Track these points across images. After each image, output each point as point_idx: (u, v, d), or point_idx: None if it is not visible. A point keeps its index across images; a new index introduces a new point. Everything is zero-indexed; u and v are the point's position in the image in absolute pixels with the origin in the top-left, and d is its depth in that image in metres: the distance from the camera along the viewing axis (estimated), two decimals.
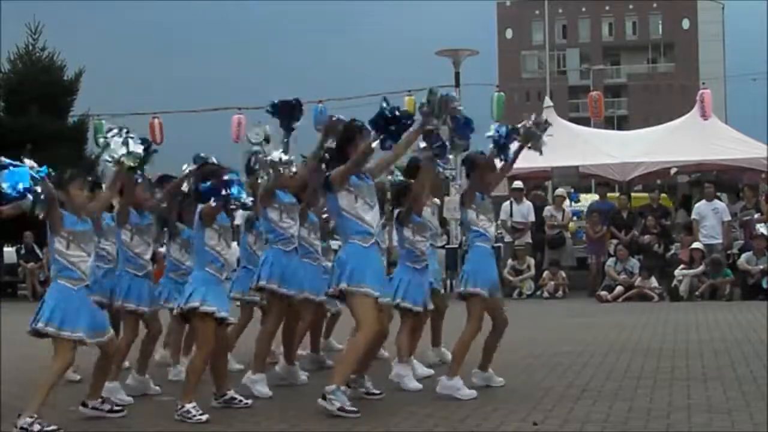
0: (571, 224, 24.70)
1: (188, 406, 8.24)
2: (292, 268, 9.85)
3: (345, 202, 8.51)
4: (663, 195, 24.99)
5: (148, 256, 9.78)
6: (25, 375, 11.27)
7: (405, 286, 9.74)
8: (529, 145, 9.93)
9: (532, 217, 23.37)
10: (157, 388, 9.88)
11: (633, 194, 26.65)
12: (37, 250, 26.89)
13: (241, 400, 8.88)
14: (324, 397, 8.21)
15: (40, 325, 7.98)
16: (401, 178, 10.72)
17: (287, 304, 9.89)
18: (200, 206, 8.52)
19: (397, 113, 8.47)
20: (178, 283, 9.93)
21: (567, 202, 25.84)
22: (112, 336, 8.56)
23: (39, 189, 7.82)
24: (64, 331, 7.95)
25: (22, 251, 27.46)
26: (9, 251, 30.28)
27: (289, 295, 9.81)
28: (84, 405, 8.56)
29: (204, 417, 8.18)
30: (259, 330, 9.97)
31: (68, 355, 8.12)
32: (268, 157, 9.59)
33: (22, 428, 7.72)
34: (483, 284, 9.18)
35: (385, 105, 8.48)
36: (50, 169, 8.14)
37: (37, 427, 7.74)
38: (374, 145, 8.50)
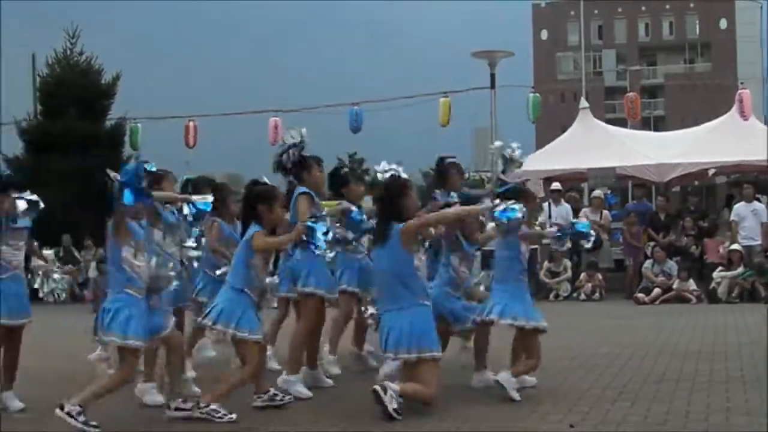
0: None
1: (214, 405, 8.31)
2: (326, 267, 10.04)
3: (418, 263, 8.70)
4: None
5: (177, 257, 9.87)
6: (58, 377, 11.36)
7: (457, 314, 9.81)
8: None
9: (570, 219, 23.21)
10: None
11: None
12: (75, 253, 27.05)
13: (283, 397, 8.94)
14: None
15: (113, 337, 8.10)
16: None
17: (321, 304, 9.99)
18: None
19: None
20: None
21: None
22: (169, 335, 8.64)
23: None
24: (129, 339, 8.04)
25: (61, 254, 27.62)
26: (48, 253, 30.42)
27: (330, 297, 9.98)
28: (168, 407, 8.63)
29: (234, 416, 8.31)
30: (293, 332, 10.00)
31: (134, 365, 8.26)
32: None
33: (68, 413, 7.83)
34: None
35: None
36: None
37: (82, 418, 7.81)
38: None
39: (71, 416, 7.82)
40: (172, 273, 8.64)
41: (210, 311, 8.60)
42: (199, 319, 8.87)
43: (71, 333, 16.67)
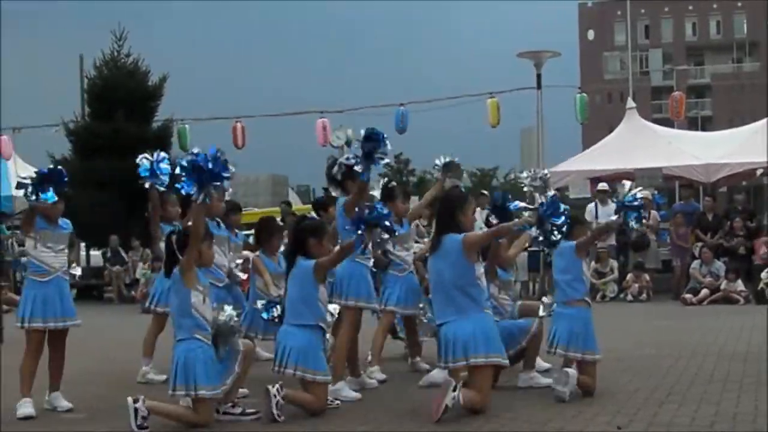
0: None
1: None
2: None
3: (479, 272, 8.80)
4: None
5: (226, 267, 9.98)
6: (107, 377, 11.47)
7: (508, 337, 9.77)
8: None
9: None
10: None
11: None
12: (123, 254, 27.26)
13: (332, 401, 8.97)
14: None
15: (180, 392, 8.20)
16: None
17: (360, 314, 10.11)
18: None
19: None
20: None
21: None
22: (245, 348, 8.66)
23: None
24: (200, 391, 8.13)
25: (108, 254, 27.85)
26: (95, 254, 30.71)
27: (369, 307, 10.13)
28: (216, 411, 8.57)
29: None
30: (335, 340, 10.04)
31: (209, 412, 8.34)
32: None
33: (136, 410, 7.91)
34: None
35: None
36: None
37: (140, 421, 7.89)
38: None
39: (135, 414, 7.92)
40: (237, 322, 8.63)
41: (289, 355, 8.57)
42: (277, 368, 8.78)
43: (118, 333, 16.82)
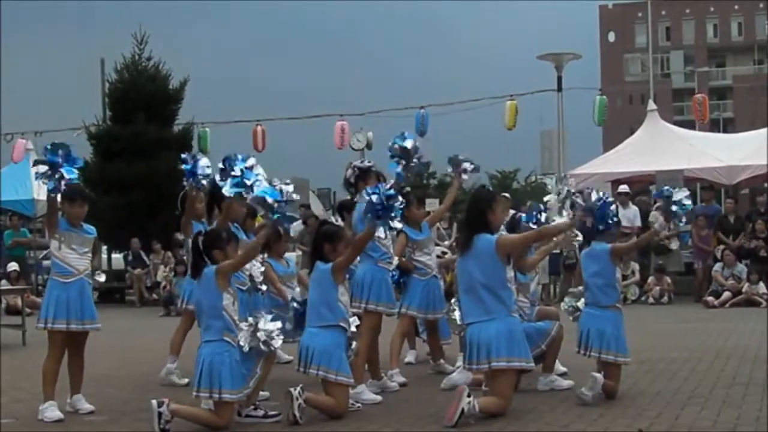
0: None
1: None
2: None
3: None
4: None
5: (248, 271, 10.01)
6: (128, 380, 11.50)
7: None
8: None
9: (638, 222, 22.91)
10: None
11: None
12: (144, 257, 27.30)
13: (353, 404, 8.97)
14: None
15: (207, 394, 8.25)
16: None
17: (380, 318, 10.12)
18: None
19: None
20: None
21: None
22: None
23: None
24: (224, 395, 8.16)
25: (130, 258, 27.89)
26: (117, 257, 30.78)
27: (389, 312, 10.16)
28: (238, 414, 8.60)
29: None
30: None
31: (230, 415, 8.36)
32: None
33: (160, 413, 7.98)
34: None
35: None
36: None
37: (163, 425, 7.95)
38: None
39: (159, 417, 7.97)
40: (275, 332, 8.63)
41: (313, 356, 8.57)
42: (301, 368, 8.76)
43: (140, 336, 16.86)
